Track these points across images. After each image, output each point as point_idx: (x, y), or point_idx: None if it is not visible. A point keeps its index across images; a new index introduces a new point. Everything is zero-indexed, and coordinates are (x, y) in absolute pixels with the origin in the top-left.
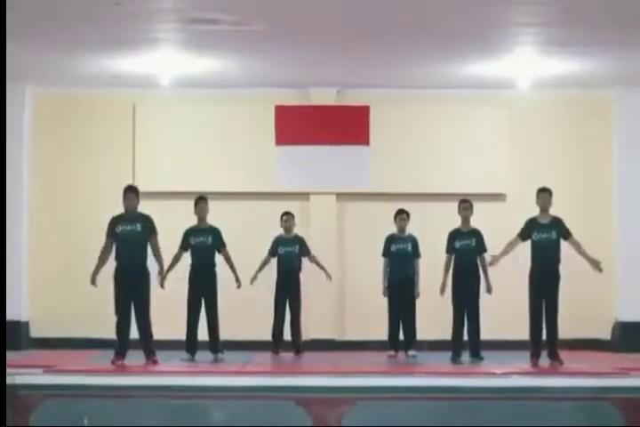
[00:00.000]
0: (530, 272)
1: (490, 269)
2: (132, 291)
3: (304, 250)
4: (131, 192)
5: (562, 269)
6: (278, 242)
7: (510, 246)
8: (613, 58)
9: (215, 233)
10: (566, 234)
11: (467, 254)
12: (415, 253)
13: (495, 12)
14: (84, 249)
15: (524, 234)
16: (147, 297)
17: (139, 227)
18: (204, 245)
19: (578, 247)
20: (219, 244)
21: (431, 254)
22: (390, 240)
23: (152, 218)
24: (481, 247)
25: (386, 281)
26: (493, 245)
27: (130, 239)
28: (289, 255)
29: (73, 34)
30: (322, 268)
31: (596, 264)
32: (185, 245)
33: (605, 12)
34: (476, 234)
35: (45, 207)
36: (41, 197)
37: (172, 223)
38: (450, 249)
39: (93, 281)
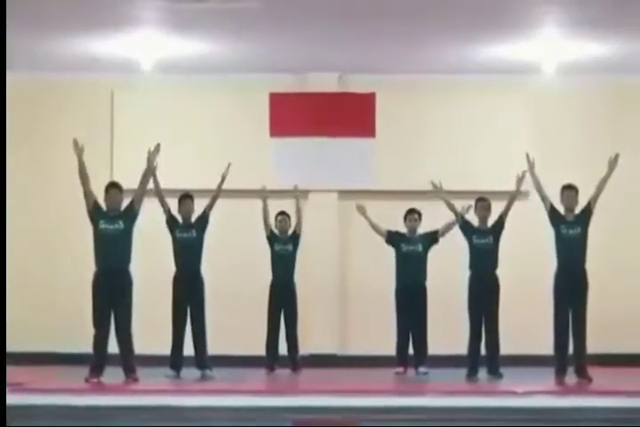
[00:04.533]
0: (555, 277)
1: (511, 276)
2: (112, 299)
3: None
4: (114, 189)
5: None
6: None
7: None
8: None
9: (199, 225)
10: (589, 206)
11: (484, 255)
12: (431, 240)
13: None
14: (55, 254)
15: (552, 209)
16: (129, 307)
17: (121, 225)
18: (189, 240)
19: (602, 182)
20: (206, 220)
21: (443, 259)
22: (400, 238)
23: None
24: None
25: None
26: (514, 247)
27: (111, 240)
28: (285, 254)
29: (44, 13)
30: None
31: (612, 162)
32: (171, 222)
33: None
34: (495, 231)
35: (11, 207)
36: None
37: (154, 225)
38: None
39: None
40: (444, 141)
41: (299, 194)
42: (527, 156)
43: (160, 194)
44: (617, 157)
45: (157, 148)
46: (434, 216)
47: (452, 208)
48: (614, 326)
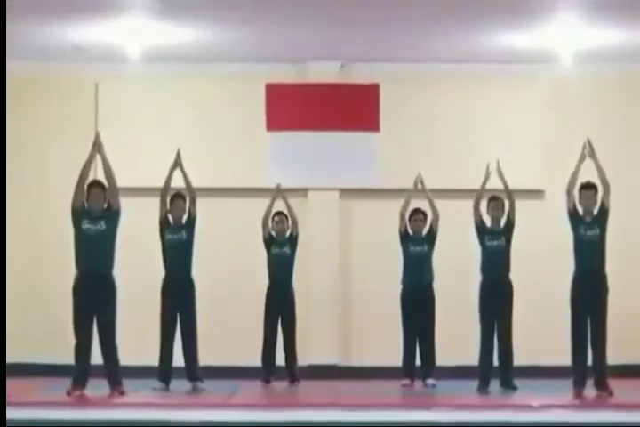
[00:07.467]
0: (572, 281)
1: (525, 281)
2: (94, 306)
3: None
4: (96, 188)
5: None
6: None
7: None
8: None
9: (189, 226)
10: (604, 205)
11: (496, 257)
12: (433, 237)
13: None
14: (33, 257)
15: (574, 209)
16: (112, 314)
17: (103, 225)
18: (179, 241)
19: (602, 177)
20: (194, 220)
21: (451, 262)
22: (408, 238)
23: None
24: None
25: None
26: (529, 249)
27: (93, 241)
28: (282, 257)
29: None
30: None
31: (589, 150)
32: (163, 223)
33: None
34: (507, 232)
35: None
36: None
37: (141, 226)
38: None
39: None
40: (453, 136)
41: (285, 194)
42: (588, 142)
43: (165, 194)
44: (589, 141)
45: (97, 136)
46: (443, 217)
47: (477, 207)
48: (637, 335)
